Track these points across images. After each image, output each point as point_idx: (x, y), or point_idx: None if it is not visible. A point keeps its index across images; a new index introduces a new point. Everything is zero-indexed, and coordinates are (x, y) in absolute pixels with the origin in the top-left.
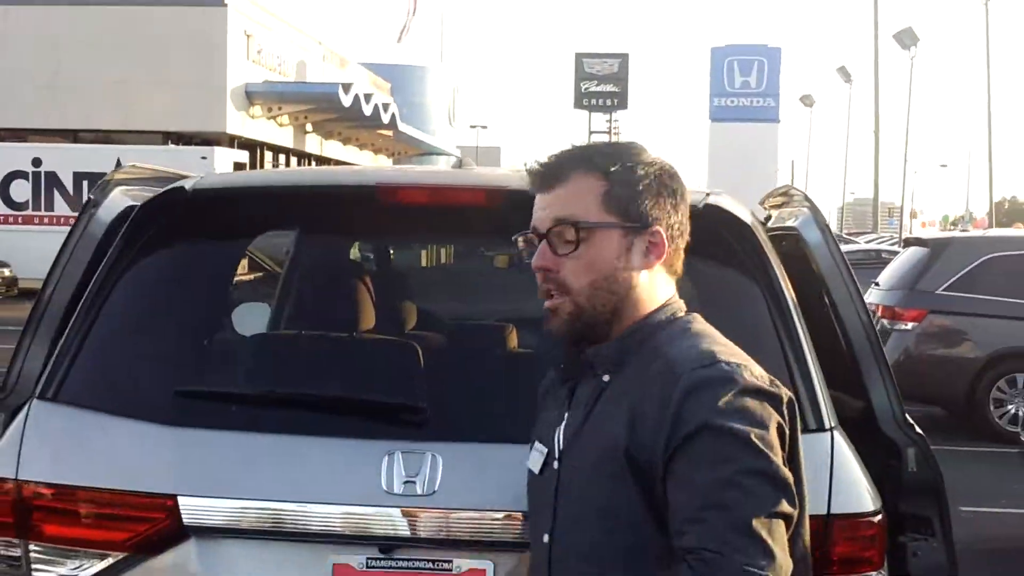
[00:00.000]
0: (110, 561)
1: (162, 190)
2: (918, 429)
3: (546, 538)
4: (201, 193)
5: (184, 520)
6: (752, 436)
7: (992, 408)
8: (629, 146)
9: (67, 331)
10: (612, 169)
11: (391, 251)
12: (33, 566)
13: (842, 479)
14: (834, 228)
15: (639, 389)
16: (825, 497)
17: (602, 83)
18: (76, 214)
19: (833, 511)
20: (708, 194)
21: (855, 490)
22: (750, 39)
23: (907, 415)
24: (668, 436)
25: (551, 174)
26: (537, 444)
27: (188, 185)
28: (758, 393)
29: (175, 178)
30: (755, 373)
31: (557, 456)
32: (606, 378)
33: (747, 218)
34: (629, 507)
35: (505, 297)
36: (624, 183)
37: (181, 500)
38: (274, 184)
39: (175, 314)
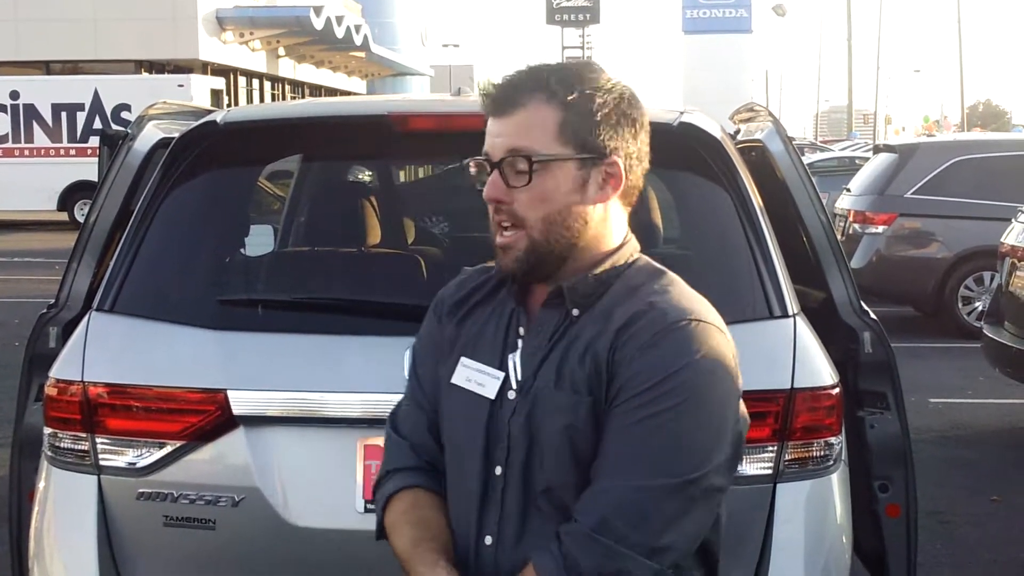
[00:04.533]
0: (168, 449)
1: (196, 123)
2: (872, 315)
3: (499, 470)
4: (231, 125)
5: (233, 411)
6: None
7: (960, 306)
8: (587, 68)
9: (118, 250)
10: (569, 98)
11: (393, 173)
12: (100, 456)
13: (803, 358)
14: (809, 136)
15: (608, 328)
16: (789, 374)
17: None
18: (56, 146)
19: (796, 386)
20: (682, 112)
21: (814, 367)
22: None
23: (863, 303)
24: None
25: (505, 99)
26: (481, 365)
27: (219, 119)
28: None
29: (201, 112)
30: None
31: (516, 385)
32: (575, 312)
33: (718, 133)
34: (589, 442)
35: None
36: (581, 112)
37: (230, 394)
38: (292, 116)
39: (210, 232)
